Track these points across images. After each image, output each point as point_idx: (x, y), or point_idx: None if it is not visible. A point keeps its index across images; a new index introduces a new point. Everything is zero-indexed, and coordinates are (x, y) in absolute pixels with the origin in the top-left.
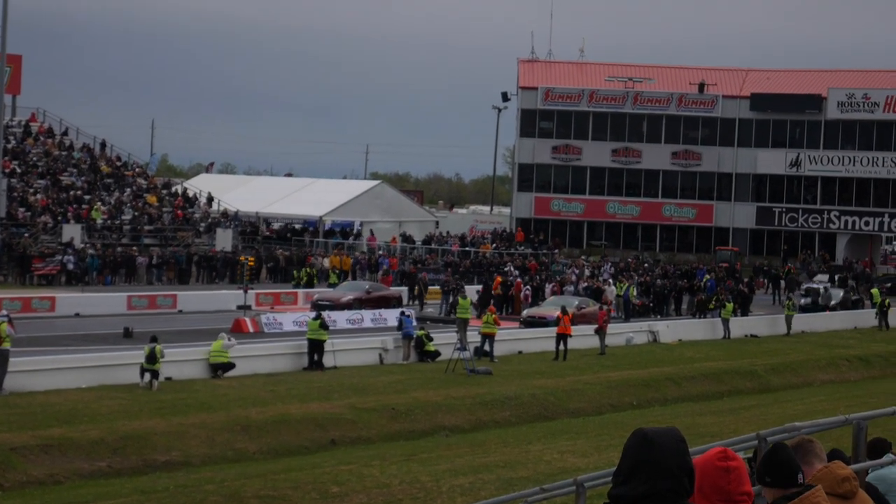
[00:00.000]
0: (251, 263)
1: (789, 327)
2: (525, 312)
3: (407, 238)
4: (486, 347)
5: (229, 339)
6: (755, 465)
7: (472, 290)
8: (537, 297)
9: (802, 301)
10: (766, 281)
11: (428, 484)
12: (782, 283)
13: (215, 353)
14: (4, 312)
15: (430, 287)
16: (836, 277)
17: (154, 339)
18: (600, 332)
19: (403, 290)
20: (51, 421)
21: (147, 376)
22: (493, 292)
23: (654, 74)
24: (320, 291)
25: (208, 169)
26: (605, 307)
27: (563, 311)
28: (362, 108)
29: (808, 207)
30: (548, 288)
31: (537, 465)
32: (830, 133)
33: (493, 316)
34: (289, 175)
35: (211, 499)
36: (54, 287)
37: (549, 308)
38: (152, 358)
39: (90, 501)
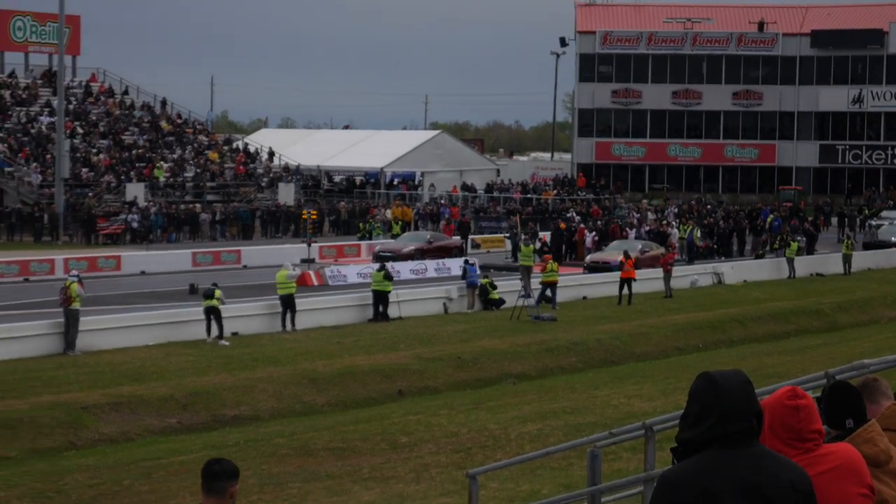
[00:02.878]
0: (314, 217)
1: (848, 267)
2: (588, 258)
3: (468, 187)
4: (548, 293)
5: (294, 269)
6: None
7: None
8: (603, 242)
9: (865, 239)
10: (825, 219)
11: (496, 431)
12: (846, 220)
13: (281, 284)
14: (75, 272)
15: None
16: None
17: (214, 285)
18: (667, 275)
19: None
20: (120, 379)
21: (213, 330)
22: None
23: (713, 14)
24: (382, 243)
25: (266, 123)
26: (670, 250)
27: (626, 255)
28: (420, 58)
29: (872, 144)
30: (631, 233)
31: (605, 409)
32: (893, 68)
33: (555, 264)
34: (347, 127)
35: (281, 452)
36: (119, 246)
37: (612, 253)
38: (209, 294)
39: (161, 458)
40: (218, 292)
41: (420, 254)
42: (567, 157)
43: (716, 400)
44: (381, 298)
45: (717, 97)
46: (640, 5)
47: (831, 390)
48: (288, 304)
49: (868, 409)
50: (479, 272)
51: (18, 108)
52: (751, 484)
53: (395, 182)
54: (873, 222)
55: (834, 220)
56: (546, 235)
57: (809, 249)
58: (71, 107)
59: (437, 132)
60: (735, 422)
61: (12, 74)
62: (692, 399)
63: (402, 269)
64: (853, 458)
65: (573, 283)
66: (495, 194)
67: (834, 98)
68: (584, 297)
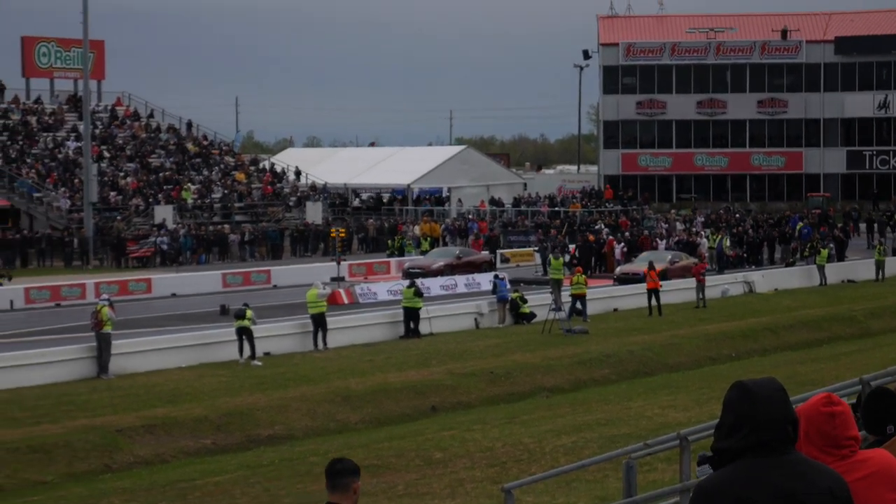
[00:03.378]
0: (342, 235)
1: (881, 273)
2: (618, 270)
3: (496, 202)
4: (579, 306)
5: (324, 288)
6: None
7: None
8: (633, 254)
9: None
10: (855, 225)
11: (531, 445)
12: (875, 226)
13: (312, 303)
14: (105, 296)
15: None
16: None
17: (245, 306)
18: (699, 285)
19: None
20: (154, 401)
21: (246, 351)
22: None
23: (736, 23)
24: (411, 259)
25: (291, 143)
26: (701, 260)
27: (650, 266)
28: (444, 73)
29: None
30: (661, 244)
31: (639, 421)
32: None
33: (583, 276)
34: (373, 144)
35: (316, 471)
36: (149, 269)
37: (642, 264)
38: (241, 314)
39: (196, 479)
40: (249, 312)
41: (449, 269)
42: (593, 169)
43: (750, 409)
44: (411, 315)
45: (742, 106)
46: (663, 16)
47: (871, 396)
48: (319, 322)
49: None
50: (509, 286)
51: (45, 134)
52: (786, 491)
53: (423, 198)
54: None
55: (862, 226)
56: (574, 248)
57: (840, 256)
58: (97, 131)
59: (462, 147)
60: (770, 430)
61: (38, 100)
62: (726, 409)
63: (432, 286)
64: (889, 464)
65: (603, 296)
66: (523, 208)
67: (859, 104)
68: (615, 309)
